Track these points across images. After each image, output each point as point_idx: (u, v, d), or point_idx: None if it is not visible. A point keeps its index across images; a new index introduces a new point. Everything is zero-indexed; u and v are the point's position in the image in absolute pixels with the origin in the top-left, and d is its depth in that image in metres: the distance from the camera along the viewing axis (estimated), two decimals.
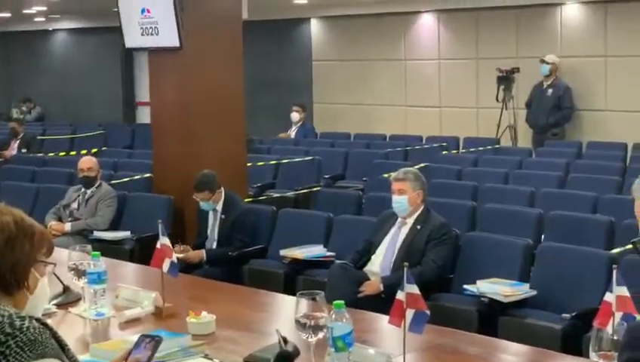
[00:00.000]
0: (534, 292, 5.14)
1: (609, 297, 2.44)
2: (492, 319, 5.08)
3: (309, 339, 2.72)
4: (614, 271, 2.45)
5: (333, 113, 14.26)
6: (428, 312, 2.62)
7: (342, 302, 2.61)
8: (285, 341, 2.69)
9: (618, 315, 2.43)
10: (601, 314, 2.46)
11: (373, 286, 5.43)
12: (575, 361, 3.37)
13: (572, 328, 4.77)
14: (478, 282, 5.25)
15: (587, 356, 4.48)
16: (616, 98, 11.09)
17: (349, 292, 5.24)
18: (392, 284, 5.34)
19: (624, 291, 2.44)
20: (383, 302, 5.25)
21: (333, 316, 2.59)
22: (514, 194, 7.48)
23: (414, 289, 2.58)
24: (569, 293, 5.03)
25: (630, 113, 10.85)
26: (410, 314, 2.58)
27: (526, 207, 6.98)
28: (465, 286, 5.27)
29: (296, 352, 2.70)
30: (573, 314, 4.78)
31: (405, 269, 2.64)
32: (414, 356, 2.78)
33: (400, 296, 2.59)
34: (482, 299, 5.15)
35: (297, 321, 2.72)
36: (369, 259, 5.68)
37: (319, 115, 14.41)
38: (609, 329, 2.32)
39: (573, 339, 4.69)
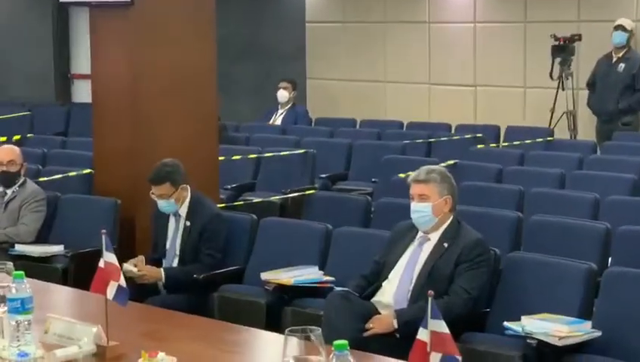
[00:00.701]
0: (599, 333, 5.15)
1: None
2: None
3: None
4: None
5: (333, 92, 14.28)
6: (459, 358, 2.63)
7: (344, 342, 2.61)
8: None
9: None
10: None
11: (384, 322, 5.44)
12: None
13: None
14: (523, 319, 5.26)
15: None
16: None
17: (352, 330, 5.27)
18: (409, 320, 5.37)
19: None
20: (396, 343, 5.29)
21: (334, 360, 2.60)
22: (572, 202, 7.51)
23: (442, 326, 2.58)
24: None
25: None
26: (435, 359, 2.58)
27: (588, 219, 7.00)
28: (506, 324, 5.28)
29: None
30: None
31: (430, 300, 2.64)
32: None
33: (422, 335, 2.60)
34: (529, 341, 5.16)
35: None
36: (379, 286, 5.69)
37: (314, 95, 14.42)
38: None
39: None
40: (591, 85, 11.57)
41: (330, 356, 2.62)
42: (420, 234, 5.72)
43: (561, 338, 5.09)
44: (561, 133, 11.57)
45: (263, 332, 4.68)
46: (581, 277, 5.50)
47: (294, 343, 2.73)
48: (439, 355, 2.59)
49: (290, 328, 2.78)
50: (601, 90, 11.39)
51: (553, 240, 6.35)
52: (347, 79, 14.16)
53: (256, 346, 4.38)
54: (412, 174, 5.84)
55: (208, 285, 6.44)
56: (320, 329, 2.76)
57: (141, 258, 6.48)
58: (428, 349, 2.59)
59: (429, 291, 2.72)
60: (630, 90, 11.19)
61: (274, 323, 5.99)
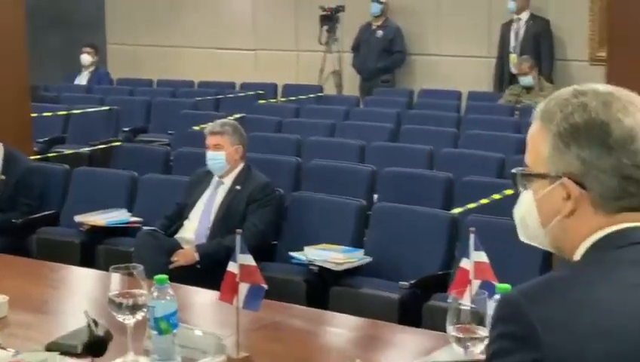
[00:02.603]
0: (369, 259, 5.24)
1: (465, 264, 2.50)
2: (323, 290, 5.15)
3: (127, 321, 2.65)
4: (472, 235, 2.51)
5: (132, 56, 13.96)
6: (265, 286, 2.60)
7: (164, 276, 2.55)
8: (96, 323, 2.60)
9: (476, 283, 2.49)
10: (456, 283, 2.52)
11: (187, 255, 5.40)
12: (412, 333, 3.44)
13: (411, 297, 4.91)
14: (306, 249, 5.30)
15: (427, 326, 4.66)
16: (449, 42, 11.40)
17: (159, 263, 5.20)
18: (208, 253, 5.37)
19: (483, 257, 2.51)
20: (198, 274, 5.25)
21: (155, 293, 2.53)
22: (342, 148, 7.57)
23: (249, 259, 2.55)
24: (407, 259, 5.17)
25: (465, 58, 11.20)
26: (244, 288, 2.55)
27: (356, 162, 7.08)
28: (291, 254, 5.31)
29: (108, 336, 2.62)
30: (412, 281, 4.91)
31: (238, 238, 2.60)
32: (244, 336, 2.75)
33: (232, 267, 2.56)
34: (311, 267, 5.21)
35: (111, 301, 2.63)
36: (181, 224, 5.64)
37: (114, 59, 14.08)
38: (466, 299, 2.38)
39: (413, 309, 4.83)
40: (355, 48, 11.69)
41: (152, 288, 2.56)
42: (215, 178, 5.68)
43: (338, 264, 5.16)
44: (330, 89, 11.68)
45: (79, 268, 4.57)
46: (353, 212, 5.58)
47: (118, 279, 2.66)
48: (247, 285, 2.56)
49: (114, 265, 2.70)
50: (363, 53, 11.53)
51: (328, 181, 6.38)
52: (144, 45, 13.87)
53: (74, 281, 4.26)
54: (208, 127, 5.80)
55: (26, 228, 6.22)
56: (142, 266, 2.69)
57: None
58: (237, 280, 2.56)
59: (237, 229, 2.67)
60: (387, 53, 11.36)
61: (88, 260, 5.85)
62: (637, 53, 4.47)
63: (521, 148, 7.50)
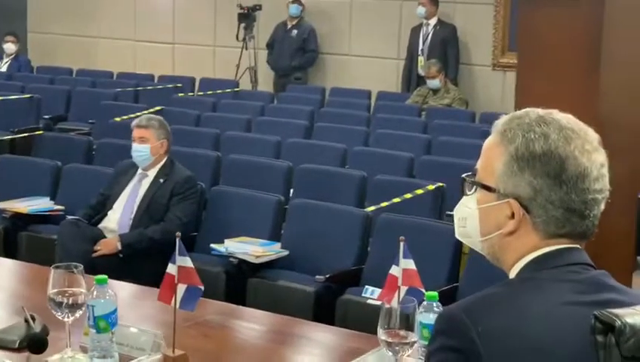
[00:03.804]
0: (286, 253, 5.24)
1: (394, 271, 2.52)
2: (241, 281, 5.13)
3: (66, 319, 2.59)
4: (401, 243, 2.52)
5: (52, 45, 13.68)
6: (202, 287, 2.58)
7: (105, 276, 2.50)
8: (33, 319, 2.54)
9: (404, 290, 2.51)
10: (386, 289, 2.53)
11: (109, 244, 5.33)
12: (322, 330, 3.39)
13: (325, 290, 4.92)
14: (226, 241, 5.28)
15: (340, 319, 4.69)
16: (360, 43, 11.46)
17: (82, 251, 5.14)
18: (131, 243, 5.32)
19: (411, 264, 2.52)
20: (121, 262, 5.20)
21: (95, 292, 2.48)
22: (259, 143, 7.51)
23: (187, 262, 2.52)
24: (322, 254, 5.18)
25: (375, 59, 11.26)
26: (181, 289, 2.52)
27: (272, 158, 7.06)
28: (212, 246, 5.28)
29: (45, 332, 2.56)
30: (327, 276, 4.92)
31: (178, 240, 2.56)
32: (171, 333, 2.71)
33: (171, 269, 2.53)
34: (231, 259, 5.19)
35: (51, 299, 2.57)
36: (105, 214, 5.56)
37: (35, 47, 13.78)
38: (394, 304, 2.39)
39: (327, 302, 4.85)
40: (270, 46, 11.66)
41: (92, 289, 2.50)
42: (139, 171, 5.61)
43: (257, 256, 5.15)
44: (245, 85, 11.63)
45: (5, 259, 4.44)
46: (271, 206, 5.57)
47: (59, 276, 2.59)
48: (184, 286, 2.53)
49: (55, 264, 2.63)
50: (277, 51, 11.49)
51: (246, 176, 6.36)
52: (65, 34, 13.60)
53: (3, 273, 4.14)
54: (135, 120, 5.73)
55: None
56: (82, 266, 2.63)
57: None
58: (176, 281, 2.53)
59: (177, 233, 2.63)
60: (301, 52, 11.36)
61: (11, 246, 5.73)
62: (542, 61, 4.55)
63: (428, 148, 7.59)
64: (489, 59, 10.42)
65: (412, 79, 10.51)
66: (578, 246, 1.71)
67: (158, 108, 8.67)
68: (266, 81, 11.81)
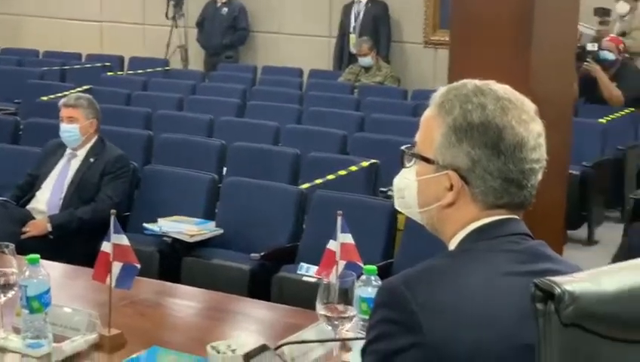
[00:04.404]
0: (221, 231, 5.21)
1: (332, 245, 2.52)
2: (175, 260, 5.09)
3: None
4: (339, 218, 2.52)
5: None
6: (138, 265, 2.55)
7: (37, 256, 2.46)
8: None
9: (342, 264, 2.51)
10: (323, 264, 2.53)
11: (39, 226, 5.25)
12: (257, 306, 3.41)
13: (261, 268, 4.91)
14: (159, 220, 5.23)
15: (275, 296, 4.69)
16: (292, 21, 11.42)
17: (11, 233, 5.01)
18: (61, 223, 5.25)
19: (348, 238, 2.52)
20: (51, 244, 5.12)
21: (27, 272, 2.44)
22: (191, 122, 7.47)
23: (123, 239, 2.49)
24: (257, 232, 5.17)
25: (306, 37, 11.24)
26: (117, 267, 2.49)
27: (205, 137, 7.02)
28: (145, 225, 5.23)
29: None
30: (262, 254, 4.91)
31: (112, 218, 2.53)
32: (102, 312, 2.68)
33: (106, 247, 2.49)
34: (165, 238, 5.14)
35: None
36: (33, 195, 5.46)
37: None
38: (333, 279, 2.39)
39: (262, 280, 4.84)
40: (199, 24, 11.56)
41: (24, 268, 2.46)
42: (68, 150, 5.53)
43: (191, 235, 5.11)
44: (175, 64, 11.52)
45: None
46: (205, 185, 5.53)
47: None
48: (120, 264, 2.50)
49: None
50: (208, 29, 11.40)
51: (179, 155, 6.31)
52: None
53: None
54: (63, 99, 5.64)
55: None
56: (14, 244, 2.58)
57: None
58: (110, 259, 2.49)
59: (112, 210, 2.60)
60: (232, 30, 11.28)
61: None
62: (475, 39, 4.59)
63: (361, 125, 7.61)
64: (420, 36, 10.47)
65: (344, 57, 10.52)
66: (516, 216, 1.72)
67: (86, 87, 8.54)
68: (196, 60, 11.72)
